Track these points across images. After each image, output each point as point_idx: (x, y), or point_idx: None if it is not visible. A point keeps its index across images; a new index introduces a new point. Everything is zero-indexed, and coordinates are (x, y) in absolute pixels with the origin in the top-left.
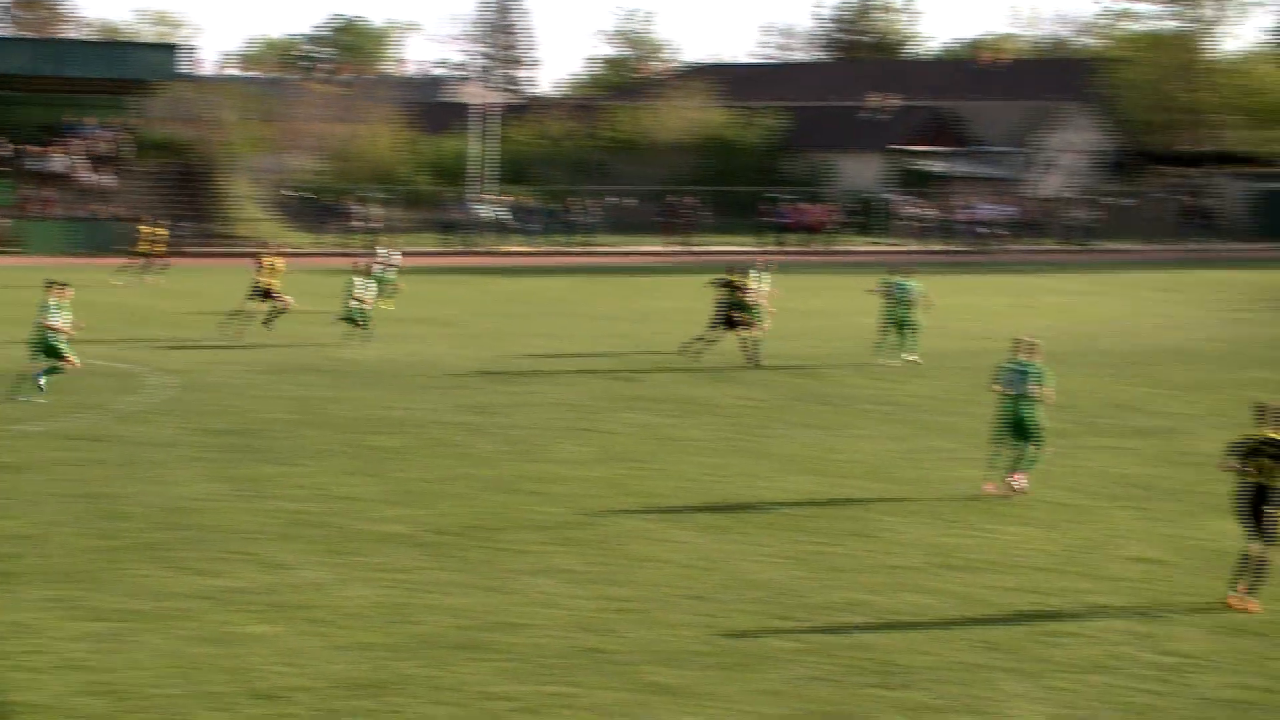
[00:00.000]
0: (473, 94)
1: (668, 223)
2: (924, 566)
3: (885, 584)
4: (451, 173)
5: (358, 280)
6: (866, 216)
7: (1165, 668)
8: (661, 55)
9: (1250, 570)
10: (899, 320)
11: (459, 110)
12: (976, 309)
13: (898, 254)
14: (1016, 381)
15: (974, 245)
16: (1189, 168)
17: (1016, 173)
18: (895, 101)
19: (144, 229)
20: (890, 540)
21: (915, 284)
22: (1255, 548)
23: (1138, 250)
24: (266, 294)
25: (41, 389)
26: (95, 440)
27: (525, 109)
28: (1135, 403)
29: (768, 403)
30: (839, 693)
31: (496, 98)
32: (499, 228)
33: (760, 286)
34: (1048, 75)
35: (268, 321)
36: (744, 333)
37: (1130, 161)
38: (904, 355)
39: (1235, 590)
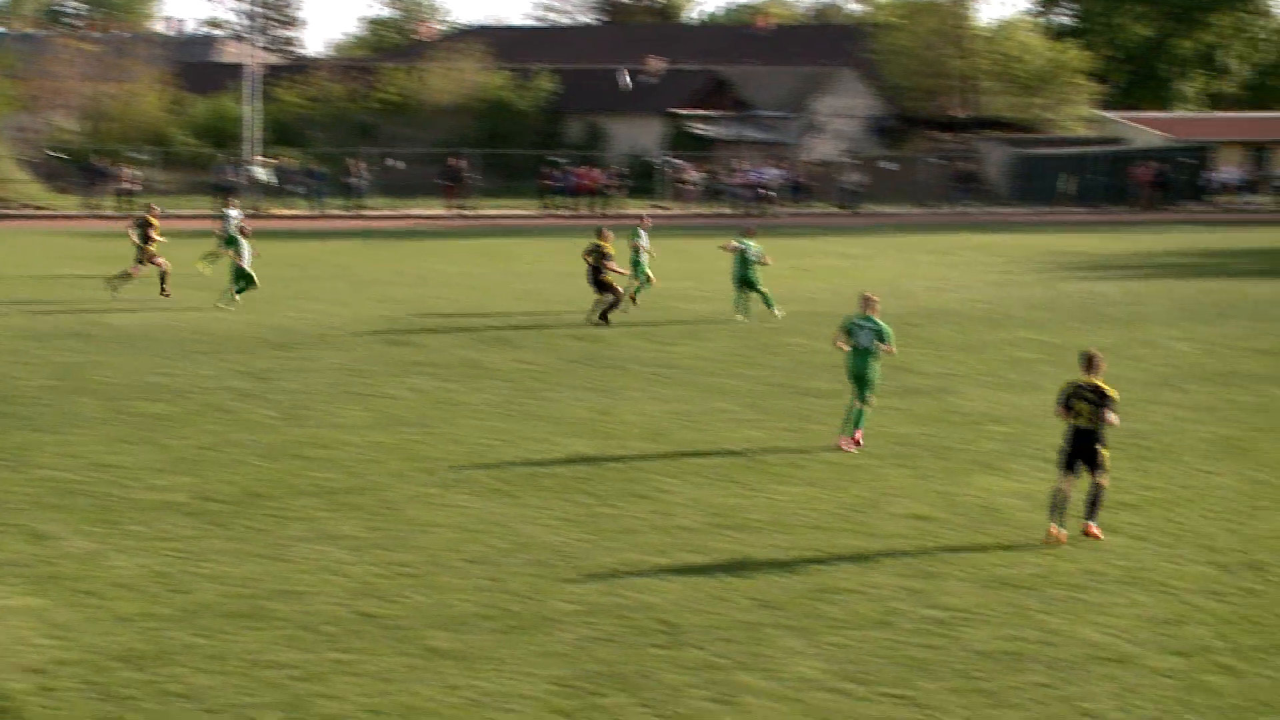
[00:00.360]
0: (239, 53)
1: (446, 186)
2: (702, 527)
3: (664, 545)
4: (219, 134)
5: (245, 243)
6: (643, 180)
7: (938, 622)
8: (433, 16)
9: (1089, 499)
10: (744, 279)
11: (226, 70)
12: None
13: (674, 217)
14: (860, 337)
15: (749, 209)
16: (955, 133)
17: (789, 137)
18: (662, 64)
19: None
20: (668, 501)
21: (756, 244)
22: (1067, 483)
23: (907, 214)
24: (149, 258)
25: None
26: None
27: (294, 70)
28: (907, 363)
29: (547, 366)
30: (620, 653)
31: (263, 57)
32: (273, 190)
33: (644, 244)
34: (819, 41)
35: (115, 282)
36: (601, 295)
37: (898, 126)
38: (738, 316)
39: (1056, 524)
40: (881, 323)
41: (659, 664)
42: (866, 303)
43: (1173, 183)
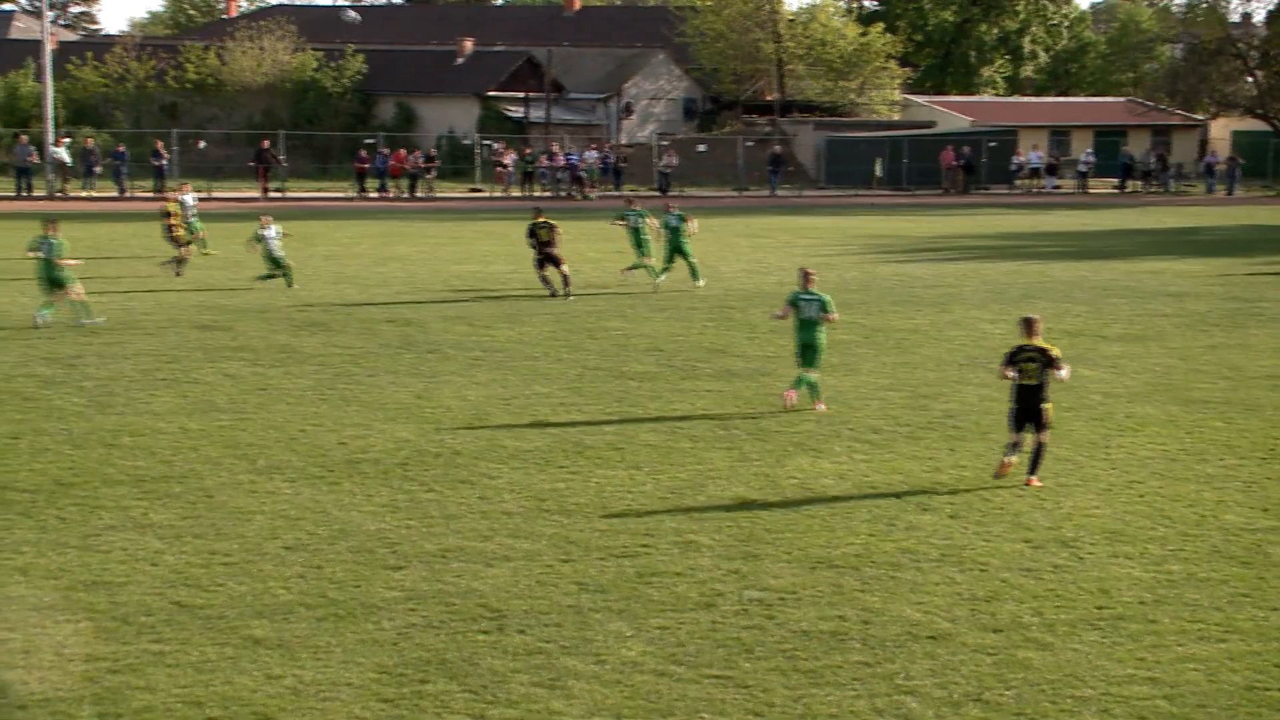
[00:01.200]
0: (33, 30)
1: (257, 168)
2: (525, 511)
3: (486, 529)
4: (13, 113)
5: (270, 231)
6: (458, 163)
7: (760, 603)
8: None
9: (1032, 455)
10: (677, 248)
11: (19, 47)
12: (571, 255)
13: (490, 200)
14: (807, 309)
15: (564, 191)
16: (767, 116)
17: (603, 119)
18: (469, 43)
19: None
20: (491, 486)
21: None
22: (1031, 438)
23: (720, 197)
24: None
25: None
26: None
27: (90, 47)
28: (727, 346)
29: (364, 351)
30: (444, 639)
31: (59, 34)
32: (75, 172)
33: (647, 223)
34: (631, 23)
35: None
36: (556, 269)
37: (711, 109)
38: (657, 280)
39: (1009, 458)
40: (823, 294)
41: (484, 650)
42: (806, 277)
43: (978, 166)
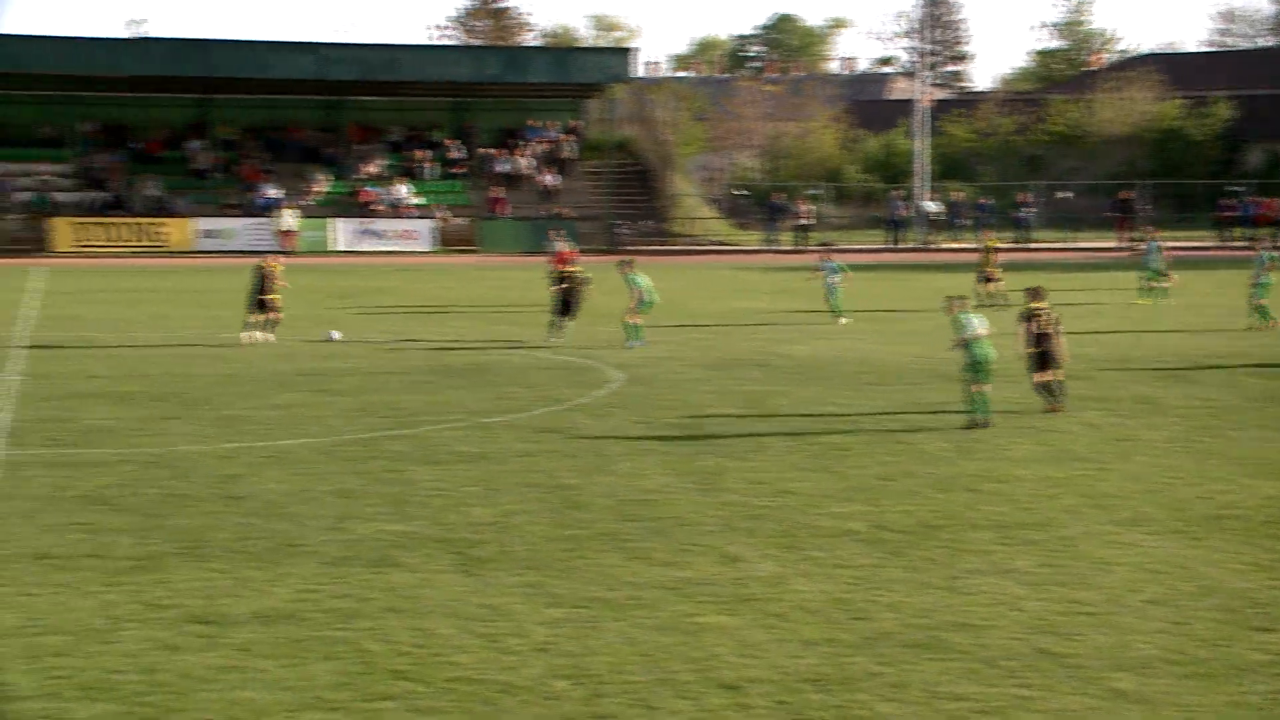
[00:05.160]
0: (909, 90)
1: (1117, 218)
2: None
3: None
4: (888, 169)
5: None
6: None
7: None
8: (1103, 45)
9: None
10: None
11: (895, 106)
12: None
13: None
14: None
15: None
16: None
17: None
18: None
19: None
20: None
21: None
22: None
23: None
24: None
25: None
26: (555, 433)
27: (961, 104)
28: None
29: (1224, 403)
30: None
31: (932, 93)
32: (940, 224)
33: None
34: None
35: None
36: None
37: None
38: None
39: None
40: None
41: None
42: None
43: None
